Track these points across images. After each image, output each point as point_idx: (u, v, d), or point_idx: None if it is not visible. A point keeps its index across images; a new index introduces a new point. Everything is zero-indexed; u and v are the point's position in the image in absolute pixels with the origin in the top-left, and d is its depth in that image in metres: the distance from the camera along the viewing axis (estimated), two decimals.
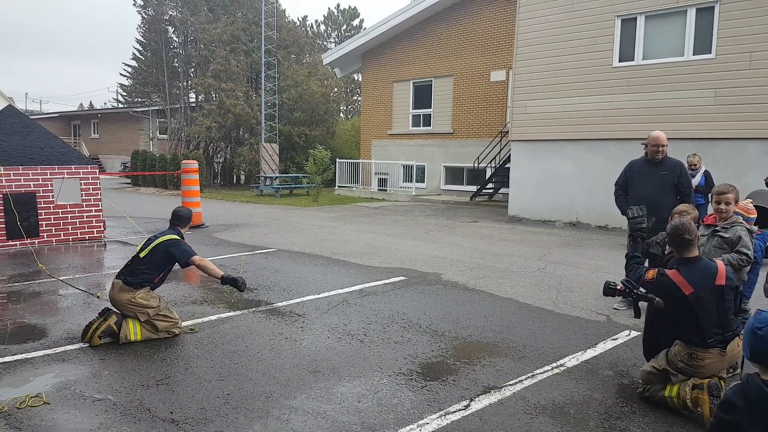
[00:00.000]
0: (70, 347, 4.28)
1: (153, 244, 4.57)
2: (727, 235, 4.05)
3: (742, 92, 9.87)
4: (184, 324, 4.76)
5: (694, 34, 10.43)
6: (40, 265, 6.31)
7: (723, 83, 10.07)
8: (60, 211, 8.99)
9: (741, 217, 4.17)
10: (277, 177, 20.83)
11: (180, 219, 4.85)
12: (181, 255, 4.55)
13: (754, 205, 4.39)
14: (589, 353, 4.29)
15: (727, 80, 10.02)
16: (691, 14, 10.42)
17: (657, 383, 3.42)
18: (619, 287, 3.65)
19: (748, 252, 3.95)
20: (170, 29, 29.91)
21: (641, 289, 3.61)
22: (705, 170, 8.59)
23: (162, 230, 4.83)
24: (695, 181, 8.37)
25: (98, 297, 5.37)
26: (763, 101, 9.67)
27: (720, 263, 3.37)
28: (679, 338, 3.34)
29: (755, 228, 4.19)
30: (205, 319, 5.00)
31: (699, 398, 3.17)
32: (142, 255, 4.54)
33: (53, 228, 8.92)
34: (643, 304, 3.63)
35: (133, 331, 4.37)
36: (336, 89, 29.96)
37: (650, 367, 3.49)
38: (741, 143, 9.98)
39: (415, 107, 19.92)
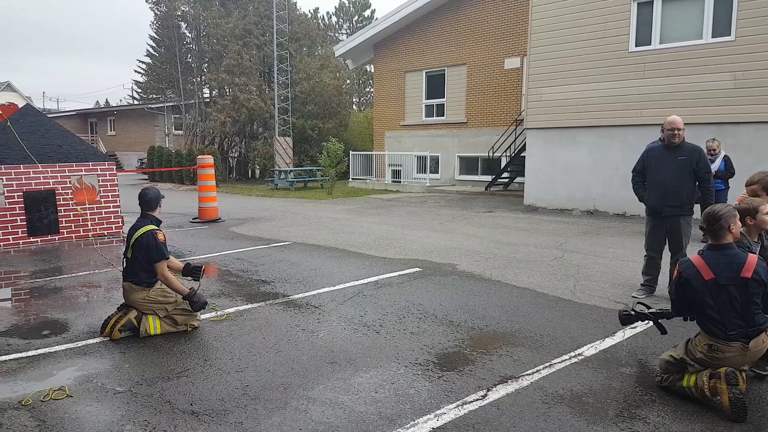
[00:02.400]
0: (91, 341, 4.35)
1: (132, 243, 4.47)
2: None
3: (763, 75, 9.66)
4: (204, 317, 4.81)
5: (713, 16, 10.22)
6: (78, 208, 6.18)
7: (743, 66, 9.86)
8: (79, 207, 9.11)
9: None
10: (291, 170, 20.91)
11: (148, 204, 4.65)
12: (153, 254, 4.42)
13: None
14: (608, 342, 4.26)
15: (747, 63, 9.82)
16: None
17: (675, 372, 3.38)
18: (633, 313, 3.63)
19: None
20: (183, 25, 30.04)
21: (655, 308, 3.69)
22: (725, 155, 8.44)
23: (137, 221, 4.63)
24: (714, 166, 8.22)
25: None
26: None
27: (752, 255, 3.27)
28: (701, 327, 3.30)
29: None
30: (223, 312, 5.04)
31: (717, 387, 3.12)
32: (129, 256, 4.51)
33: (72, 224, 9.06)
34: (663, 318, 3.63)
35: (153, 325, 4.43)
36: (348, 81, 30.02)
37: (668, 356, 3.45)
38: (762, 127, 9.79)
39: (428, 97, 19.81)
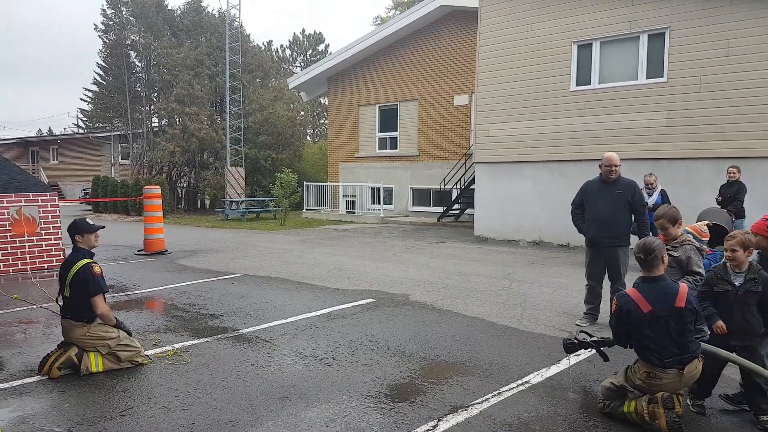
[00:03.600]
0: (28, 380, 4.14)
1: (69, 280, 4.31)
2: (676, 254, 4.19)
3: (693, 114, 10.35)
4: (149, 352, 4.66)
5: (647, 59, 10.93)
6: (14, 296, 6.07)
7: (675, 105, 10.54)
8: (17, 240, 8.72)
9: (691, 236, 4.33)
10: (243, 201, 20.66)
11: (76, 229, 4.47)
12: (90, 289, 4.27)
13: (709, 224, 4.54)
14: (553, 369, 4.38)
15: (678, 102, 10.50)
16: (644, 40, 10.93)
17: (616, 398, 3.51)
18: (576, 341, 3.78)
19: (700, 270, 4.11)
20: (132, 54, 29.60)
21: (596, 336, 3.84)
22: (661, 189, 8.93)
23: (69, 257, 4.47)
24: (652, 199, 8.68)
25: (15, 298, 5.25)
26: (713, 122, 10.15)
27: (683, 285, 3.44)
28: (639, 355, 3.44)
29: (705, 248, 4.35)
30: (169, 348, 4.90)
31: (655, 412, 3.26)
32: (67, 294, 4.34)
33: (10, 257, 8.64)
34: (605, 347, 3.78)
35: (95, 362, 4.26)
36: (302, 113, 30.13)
37: (609, 383, 3.58)
38: (694, 163, 10.42)
39: (382, 130, 20.14)
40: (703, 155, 10.28)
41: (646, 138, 10.84)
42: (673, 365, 3.30)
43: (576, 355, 4.71)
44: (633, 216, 5.65)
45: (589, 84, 11.59)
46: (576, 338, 3.82)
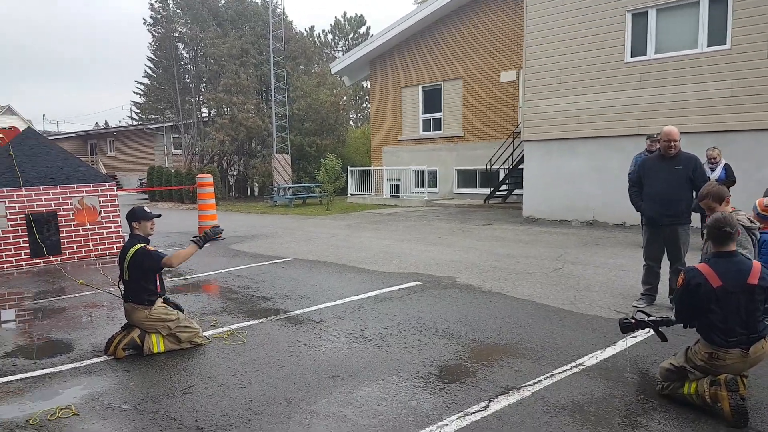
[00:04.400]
0: (96, 360, 4.37)
1: (126, 264, 4.50)
2: None
3: (760, 82, 9.74)
4: (207, 333, 4.84)
5: (708, 25, 10.33)
6: (80, 281, 6.44)
7: (739, 74, 9.95)
8: (80, 228, 9.16)
9: (743, 215, 4.07)
10: (290, 187, 21.00)
11: (134, 216, 4.68)
12: (152, 264, 4.48)
13: None
14: (609, 351, 4.28)
15: (743, 71, 9.90)
16: (704, 5, 10.33)
17: (675, 380, 3.41)
18: (633, 321, 3.67)
19: (745, 252, 3.90)
20: (180, 46, 30.32)
21: (655, 316, 3.72)
22: (725, 163, 8.48)
23: (126, 242, 4.67)
24: (715, 174, 8.26)
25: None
26: None
27: (756, 262, 3.30)
28: (702, 335, 3.31)
29: (757, 225, 4.10)
30: (226, 329, 5.06)
31: (718, 394, 3.14)
32: (127, 277, 4.53)
33: (74, 245, 9.10)
34: (664, 326, 3.66)
35: (156, 343, 4.45)
36: (345, 98, 30.16)
37: (668, 364, 3.47)
38: (760, 134, 9.86)
39: (425, 111, 19.97)
40: None
41: (708, 110, 10.30)
42: (738, 345, 3.16)
43: (633, 336, 4.58)
44: (694, 193, 5.39)
45: (645, 54, 11.08)
46: (633, 318, 3.72)
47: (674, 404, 3.35)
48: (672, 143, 5.36)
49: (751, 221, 4.03)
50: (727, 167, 8.44)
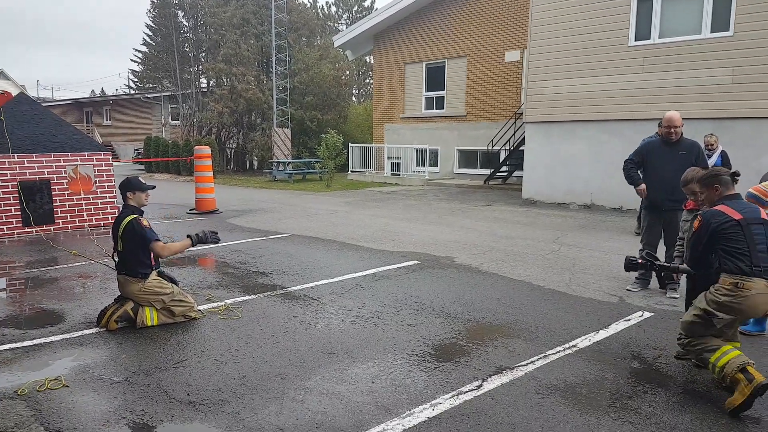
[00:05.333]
0: (87, 331, 4.36)
1: (120, 234, 4.45)
2: None
3: (761, 70, 9.65)
4: (201, 307, 4.82)
5: (712, 11, 10.19)
6: (73, 251, 6.41)
7: (741, 61, 9.85)
8: (74, 197, 9.09)
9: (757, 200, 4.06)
10: (289, 162, 20.88)
11: (129, 186, 4.61)
12: (141, 240, 4.43)
13: None
14: (602, 334, 4.28)
15: (745, 58, 9.81)
16: None
17: (701, 334, 3.35)
18: (640, 261, 3.67)
19: None
20: (180, 13, 29.87)
21: (662, 261, 3.76)
22: (722, 150, 8.44)
23: (120, 213, 4.61)
24: (712, 161, 8.21)
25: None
26: None
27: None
28: (725, 268, 3.25)
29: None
30: (221, 303, 5.05)
31: (740, 384, 3.00)
32: (121, 249, 4.49)
33: (68, 215, 9.04)
34: (666, 272, 3.66)
35: (150, 316, 4.43)
36: (348, 72, 29.86)
37: (692, 316, 3.41)
38: (760, 122, 9.79)
39: (428, 89, 19.77)
40: None
41: (709, 96, 10.21)
42: (763, 276, 3.14)
43: (626, 320, 4.59)
44: None
45: (649, 39, 10.93)
46: (642, 257, 3.72)
47: (665, 388, 3.35)
48: (673, 129, 5.32)
49: (764, 203, 4.01)
50: (723, 154, 8.39)
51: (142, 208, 4.69)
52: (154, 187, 4.89)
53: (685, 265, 3.65)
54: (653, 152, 5.53)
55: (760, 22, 9.60)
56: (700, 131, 8.72)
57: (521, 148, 14.69)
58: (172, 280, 4.69)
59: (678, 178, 5.28)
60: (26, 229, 8.60)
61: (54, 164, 8.85)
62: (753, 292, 3.14)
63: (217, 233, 4.82)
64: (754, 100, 9.78)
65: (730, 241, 3.23)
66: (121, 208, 4.69)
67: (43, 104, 23.74)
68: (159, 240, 4.54)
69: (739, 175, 3.55)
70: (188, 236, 4.66)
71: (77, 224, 9.13)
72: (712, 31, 10.23)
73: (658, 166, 5.44)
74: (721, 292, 3.25)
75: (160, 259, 4.64)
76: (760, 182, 4.34)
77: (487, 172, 17.32)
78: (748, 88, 9.83)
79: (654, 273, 3.73)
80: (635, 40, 11.09)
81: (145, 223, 4.49)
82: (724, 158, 8.38)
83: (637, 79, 11.03)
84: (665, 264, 3.68)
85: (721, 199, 3.44)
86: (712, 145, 8.33)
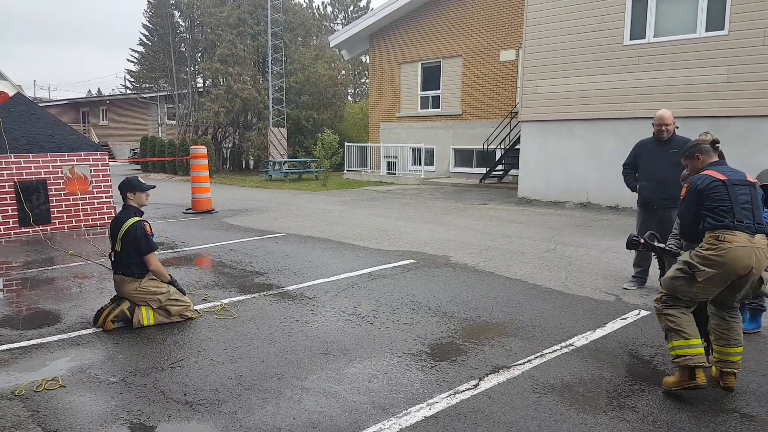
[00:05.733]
0: (84, 332, 4.35)
1: (120, 236, 4.43)
2: None
3: (756, 69, 9.69)
4: (198, 307, 4.82)
5: (707, 10, 10.22)
6: (69, 252, 6.39)
7: (736, 60, 9.88)
8: (71, 198, 9.07)
9: None
10: (285, 162, 20.84)
11: (129, 187, 4.61)
12: (142, 246, 4.42)
13: (761, 185, 4.28)
14: (598, 333, 4.30)
15: (740, 57, 9.84)
16: None
17: (684, 289, 3.30)
18: (642, 241, 3.76)
19: None
20: (176, 13, 29.75)
21: (663, 244, 3.79)
22: None
23: (119, 213, 4.60)
24: None
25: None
26: None
27: None
28: (709, 227, 3.25)
29: None
30: (217, 303, 5.04)
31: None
32: (119, 249, 4.47)
33: (65, 215, 9.01)
34: (667, 255, 3.73)
35: (146, 316, 4.42)
36: (343, 72, 29.79)
37: (674, 271, 3.37)
38: (755, 121, 9.83)
39: (424, 89, 19.77)
40: (765, 113, 9.65)
41: (704, 95, 10.24)
42: (744, 230, 3.16)
43: (623, 319, 4.61)
44: None
45: (644, 38, 10.95)
46: (643, 238, 3.78)
47: (661, 386, 3.36)
48: (664, 127, 5.36)
49: None
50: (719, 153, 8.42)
51: (142, 209, 4.68)
52: (154, 186, 4.89)
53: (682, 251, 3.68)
54: (645, 151, 5.57)
55: (755, 21, 9.64)
56: (695, 130, 8.68)
57: (517, 147, 14.70)
58: (174, 284, 4.68)
59: (669, 175, 5.32)
60: (23, 229, 8.57)
61: (50, 164, 8.83)
62: (734, 245, 3.14)
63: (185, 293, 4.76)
64: (748, 98, 9.81)
65: (714, 201, 3.27)
66: (120, 208, 4.68)
67: (40, 104, 23.61)
68: (156, 251, 4.55)
69: (719, 142, 3.65)
70: (170, 276, 4.67)
71: (74, 224, 9.10)
72: (706, 30, 10.26)
73: (650, 164, 5.49)
74: (704, 247, 3.25)
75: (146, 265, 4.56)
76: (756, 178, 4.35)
77: (483, 171, 17.34)
78: (742, 87, 9.86)
79: (655, 257, 3.80)
80: (630, 39, 11.12)
81: (148, 229, 4.51)
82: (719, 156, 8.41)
83: (633, 78, 11.06)
84: (665, 247, 3.73)
85: (705, 167, 3.53)
86: None
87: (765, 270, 3.24)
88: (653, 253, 3.80)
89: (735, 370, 3.31)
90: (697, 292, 3.27)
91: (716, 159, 3.57)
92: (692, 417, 3.02)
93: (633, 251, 5.74)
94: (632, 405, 3.15)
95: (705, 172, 3.44)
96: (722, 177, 3.33)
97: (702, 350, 3.25)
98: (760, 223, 3.23)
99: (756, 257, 3.14)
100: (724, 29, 10.02)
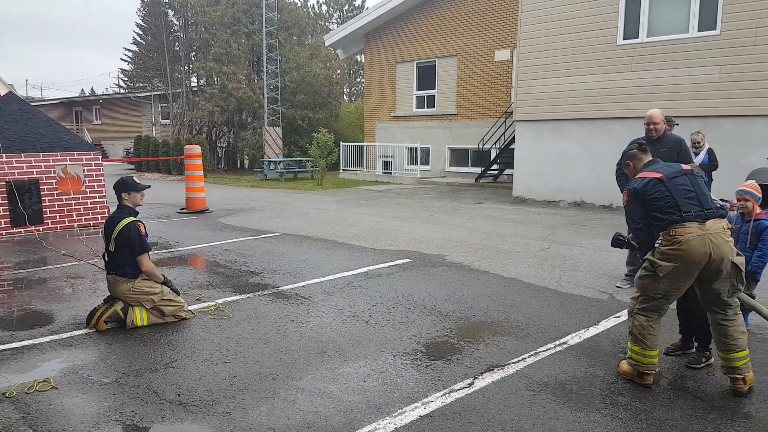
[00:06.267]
0: (77, 332, 4.32)
1: (114, 236, 4.40)
2: None
3: (748, 68, 9.75)
4: (192, 307, 4.80)
5: (699, 10, 10.27)
6: (62, 252, 6.36)
7: (728, 60, 9.94)
8: (63, 197, 9.02)
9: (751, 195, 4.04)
10: (280, 161, 20.81)
11: (124, 186, 4.57)
12: (136, 246, 4.40)
13: (759, 184, 4.29)
14: (592, 331, 4.31)
15: (732, 57, 9.90)
16: None
17: (651, 287, 3.33)
18: (627, 240, 3.78)
19: None
20: (170, 12, 29.69)
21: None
22: (709, 148, 8.51)
23: (114, 213, 4.57)
24: (698, 159, 8.29)
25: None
26: None
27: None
28: (661, 227, 3.29)
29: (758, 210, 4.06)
30: (211, 303, 5.03)
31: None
32: (112, 249, 4.45)
33: (57, 215, 8.96)
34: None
35: (140, 317, 4.40)
36: (339, 71, 29.79)
37: (641, 270, 3.42)
38: (746, 120, 9.89)
39: (419, 88, 19.78)
40: (757, 112, 9.72)
41: (696, 94, 10.30)
42: (695, 219, 3.18)
43: (615, 317, 4.62)
44: None
45: (637, 37, 11.00)
46: (628, 237, 3.80)
47: (654, 383, 3.37)
48: (653, 126, 5.36)
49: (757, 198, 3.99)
50: (710, 152, 8.45)
51: (137, 209, 4.66)
52: (149, 186, 4.86)
53: None
54: None
55: (746, 21, 9.69)
56: (688, 129, 8.79)
57: (511, 147, 14.74)
58: (168, 285, 4.66)
59: None
60: (15, 230, 8.52)
61: (43, 164, 8.77)
62: (686, 236, 3.16)
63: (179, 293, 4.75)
64: (740, 98, 9.87)
65: (657, 200, 3.29)
66: (115, 208, 4.65)
67: (32, 104, 23.51)
68: (149, 252, 4.53)
69: (644, 144, 3.72)
70: (164, 277, 4.66)
71: (66, 224, 9.05)
72: (699, 30, 10.31)
73: None
74: (662, 244, 3.29)
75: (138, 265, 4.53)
76: (747, 179, 4.36)
77: (478, 170, 17.36)
78: (734, 86, 9.92)
79: (639, 255, 3.79)
80: (624, 39, 11.16)
81: (143, 230, 4.48)
82: (711, 156, 8.45)
83: (626, 77, 11.10)
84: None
85: (638, 170, 3.61)
86: (699, 142, 8.40)
87: (737, 255, 3.25)
88: (637, 252, 3.80)
89: (739, 376, 3.25)
90: (665, 288, 3.30)
91: (649, 159, 3.65)
92: (684, 415, 3.03)
93: (626, 250, 5.77)
94: (625, 402, 3.16)
95: (640, 174, 3.49)
96: (657, 175, 3.36)
97: (656, 360, 3.37)
98: (709, 208, 3.24)
99: (712, 243, 3.15)
100: (716, 29, 10.08)
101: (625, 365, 3.49)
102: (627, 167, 3.77)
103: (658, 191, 3.29)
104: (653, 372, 3.36)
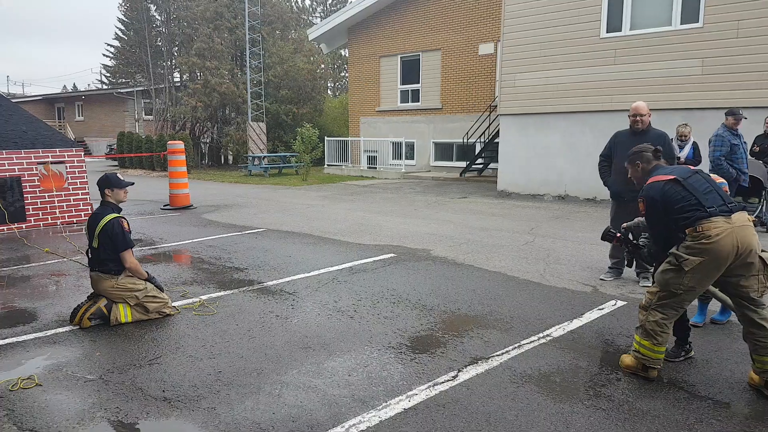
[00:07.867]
0: (60, 330, 4.29)
1: (98, 232, 4.37)
2: None
3: (730, 61, 9.87)
4: (176, 304, 4.78)
5: (682, 3, 10.38)
6: (45, 249, 6.28)
7: (711, 52, 10.06)
8: (46, 195, 8.90)
9: None
10: (265, 156, 20.70)
11: (107, 183, 4.55)
12: (119, 243, 4.37)
13: (750, 175, 4.35)
14: (576, 323, 4.37)
15: (714, 49, 10.02)
16: None
17: (674, 282, 3.24)
18: (618, 235, 3.80)
19: None
20: (152, 7, 29.32)
21: (638, 240, 3.79)
22: (694, 141, 8.51)
23: (97, 210, 4.54)
24: (684, 152, 8.30)
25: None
26: (751, 70, 9.69)
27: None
28: (685, 226, 3.21)
29: None
30: (196, 299, 5.01)
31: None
32: (96, 246, 4.42)
33: (40, 212, 8.85)
34: (638, 257, 3.79)
35: (124, 313, 4.37)
36: (323, 66, 29.61)
37: (665, 264, 3.30)
38: None
39: (404, 83, 19.76)
40: (740, 105, 9.85)
41: (680, 87, 10.42)
42: (719, 213, 3.13)
43: (599, 309, 4.68)
44: None
45: (620, 30, 11.09)
46: (619, 232, 3.82)
47: (637, 376, 3.42)
48: (639, 117, 5.41)
49: None
50: (695, 146, 8.47)
51: (120, 205, 4.63)
52: (132, 183, 4.82)
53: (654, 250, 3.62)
54: (619, 142, 5.61)
55: (729, 13, 9.81)
56: (671, 122, 8.90)
57: (496, 141, 14.81)
58: (152, 281, 4.63)
59: None
60: None
61: (25, 161, 8.65)
62: (713, 231, 3.09)
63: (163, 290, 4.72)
64: (723, 90, 9.99)
65: (678, 202, 3.22)
66: (99, 205, 4.61)
67: (14, 100, 23.05)
68: (132, 248, 4.50)
69: (660, 151, 3.68)
70: (147, 273, 4.63)
71: (49, 222, 8.94)
72: (682, 23, 10.42)
73: (621, 156, 5.51)
74: (687, 239, 3.20)
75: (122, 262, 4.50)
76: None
77: (463, 164, 17.43)
78: (717, 79, 10.04)
79: (626, 251, 3.82)
80: (607, 32, 11.25)
81: (126, 226, 4.45)
82: (696, 150, 8.48)
83: (609, 70, 11.20)
84: (641, 244, 3.75)
85: (647, 174, 3.55)
86: (685, 135, 8.36)
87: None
88: (625, 249, 3.83)
89: None
90: (689, 283, 3.19)
91: (656, 164, 3.59)
92: (667, 405, 3.08)
93: (609, 243, 5.85)
94: (608, 394, 3.21)
95: (652, 179, 3.41)
96: (671, 177, 3.30)
97: (663, 356, 3.37)
98: (731, 201, 3.23)
99: (739, 235, 3.10)
100: (698, 22, 10.19)
101: (628, 359, 3.47)
102: (634, 167, 3.67)
103: (677, 192, 3.23)
104: (658, 367, 3.36)
